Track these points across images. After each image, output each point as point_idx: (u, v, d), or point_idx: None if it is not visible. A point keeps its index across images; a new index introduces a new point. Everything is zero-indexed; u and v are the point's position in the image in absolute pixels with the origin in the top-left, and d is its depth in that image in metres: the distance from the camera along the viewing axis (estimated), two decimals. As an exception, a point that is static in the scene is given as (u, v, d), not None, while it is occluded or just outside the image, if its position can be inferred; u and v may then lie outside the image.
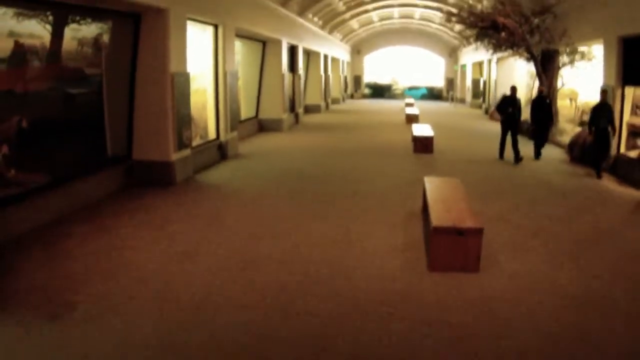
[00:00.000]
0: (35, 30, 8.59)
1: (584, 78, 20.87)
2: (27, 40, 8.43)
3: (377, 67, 48.79)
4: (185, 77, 11.19)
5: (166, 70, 10.55)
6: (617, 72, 12.88)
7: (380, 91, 48.45)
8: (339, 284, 6.00)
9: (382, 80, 49.04)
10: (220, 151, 13.86)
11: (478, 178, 11.96)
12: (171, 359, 4.46)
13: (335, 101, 37.68)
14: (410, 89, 48.18)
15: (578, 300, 5.63)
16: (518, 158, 14.10)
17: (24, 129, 8.18)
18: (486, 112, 30.93)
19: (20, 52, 8.31)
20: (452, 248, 6.10)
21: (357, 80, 48.08)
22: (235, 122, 14.68)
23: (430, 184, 8.35)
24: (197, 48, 13.27)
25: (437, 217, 6.37)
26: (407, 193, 10.07)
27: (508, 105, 14.49)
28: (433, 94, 47.61)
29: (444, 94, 46.17)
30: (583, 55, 19.01)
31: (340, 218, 8.60)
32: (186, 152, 11.35)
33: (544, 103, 15.10)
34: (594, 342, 4.78)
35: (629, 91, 12.99)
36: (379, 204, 9.50)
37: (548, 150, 17.15)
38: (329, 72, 33.84)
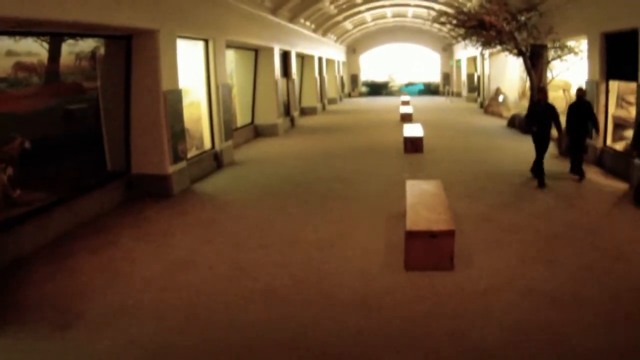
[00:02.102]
0: (33, 48, 8.98)
1: (573, 70, 21.29)
2: (25, 58, 8.84)
3: (374, 65, 49.10)
4: (177, 94, 11.66)
5: (158, 88, 11.02)
6: (600, 67, 13.22)
7: (377, 89, 48.81)
8: (322, 284, 6.51)
9: (379, 78, 49.37)
10: (216, 160, 14.33)
11: (463, 177, 12.38)
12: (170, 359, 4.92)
13: (332, 101, 38.10)
14: (407, 85, 48.51)
15: (548, 298, 5.97)
16: (542, 180, 11.39)
17: (27, 149, 8.61)
18: (481, 106, 31.30)
19: (20, 72, 8.72)
20: (426, 249, 6.57)
21: (354, 79, 48.48)
22: (229, 131, 15.15)
23: (411, 187, 8.79)
24: (190, 62, 13.76)
25: (412, 221, 6.83)
26: (392, 195, 10.48)
27: (538, 114, 11.62)
28: (430, 90, 47.95)
29: (441, 89, 46.53)
30: (571, 50, 19.41)
31: (327, 223, 9.06)
32: (182, 164, 11.81)
33: (585, 107, 11.96)
34: (559, 339, 5.08)
35: (613, 85, 13.30)
36: (364, 207, 9.96)
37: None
38: (324, 74, 34.26)
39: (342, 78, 43.81)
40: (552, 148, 16.28)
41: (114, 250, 7.94)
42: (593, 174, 12.26)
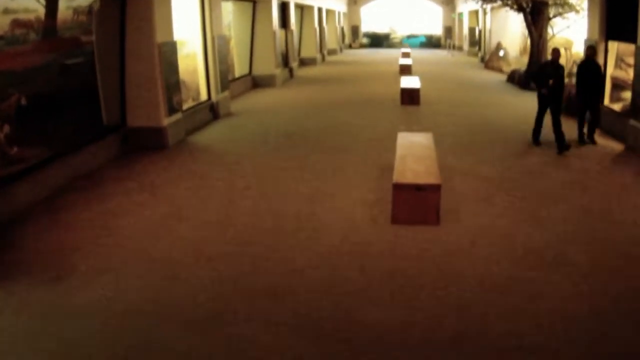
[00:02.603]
0: (30, 5, 8.91)
1: (575, 28, 21.09)
2: (22, 15, 8.77)
3: (375, 17, 48.50)
4: (172, 46, 11.61)
5: (153, 40, 10.96)
6: (600, 26, 12.99)
7: (378, 40, 48.33)
8: (307, 236, 6.67)
9: (380, 29, 48.80)
10: (213, 111, 14.36)
11: (457, 130, 12.46)
12: (156, 309, 5.11)
13: (333, 52, 37.79)
14: (409, 37, 48.04)
15: (531, 256, 6.04)
16: (563, 145, 10.48)
17: (23, 106, 8.62)
18: (482, 60, 31.07)
19: (18, 29, 8.68)
20: (412, 203, 6.69)
21: (355, 30, 47.96)
22: (226, 82, 15.13)
23: (402, 139, 8.88)
24: (186, 13, 13.66)
25: (399, 173, 6.96)
26: (386, 147, 10.51)
27: (548, 74, 10.62)
28: (432, 42, 47.50)
29: (443, 42, 46.05)
30: (572, 7, 19.22)
31: (319, 174, 9.19)
32: (177, 116, 11.86)
33: (593, 68, 11.17)
34: (536, 300, 5.14)
35: (613, 45, 13.09)
36: (357, 159, 10.08)
37: (534, 99, 17.53)
38: (324, 25, 33.89)
39: (342, 29, 43.34)
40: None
41: (107, 203, 8.04)
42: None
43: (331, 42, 38.04)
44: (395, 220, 6.83)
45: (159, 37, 11.08)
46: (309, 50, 30.52)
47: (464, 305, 5.06)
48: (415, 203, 6.69)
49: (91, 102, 10.69)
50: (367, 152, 10.57)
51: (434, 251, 6.18)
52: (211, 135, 12.61)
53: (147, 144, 11.25)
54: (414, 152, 7.99)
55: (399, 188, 6.69)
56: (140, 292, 5.44)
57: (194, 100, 14.27)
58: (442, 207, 7.00)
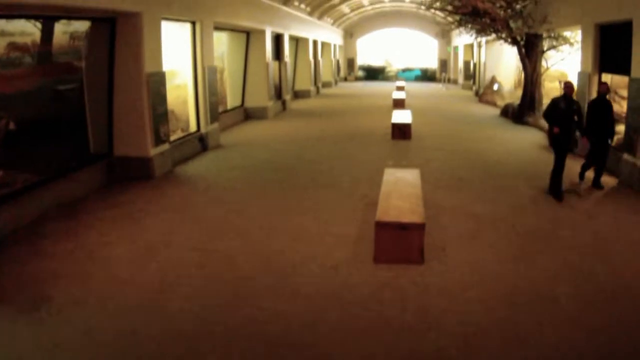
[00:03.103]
0: (27, 28, 8.83)
1: (569, 61, 21.15)
2: (18, 39, 8.69)
3: (371, 50, 48.83)
4: (161, 77, 11.53)
5: (141, 71, 10.90)
6: (593, 58, 13.03)
7: (373, 73, 48.55)
8: (288, 275, 6.45)
9: (376, 62, 49.09)
10: (202, 143, 14.22)
11: (447, 166, 12.31)
12: (133, 341, 4.91)
13: (327, 85, 37.92)
14: (404, 70, 48.28)
15: (517, 297, 5.83)
16: (560, 194, 9.60)
17: (12, 130, 8.48)
18: (476, 94, 31.16)
19: (13, 53, 8.59)
20: (395, 241, 6.49)
21: (351, 63, 48.25)
22: (216, 114, 15.02)
23: (389, 175, 8.71)
24: (177, 44, 13.62)
25: (383, 211, 6.76)
26: (373, 183, 10.34)
27: (561, 111, 9.44)
28: (427, 76, 47.71)
29: (438, 75, 46.32)
30: (566, 40, 19.29)
31: (305, 210, 8.99)
32: (164, 147, 11.72)
33: (606, 107, 10.14)
34: (519, 340, 4.97)
35: (606, 78, 13.03)
36: (344, 194, 9.89)
37: (528, 133, 17.50)
38: (319, 57, 34.04)
39: (338, 62, 43.58)
40: (542, 138, 16.29)
41: (89, 233, 7.88)
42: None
43: (326, 74, 38.21)
44: (377, 259, 6.62)
45: (148, 67, 11.02)
46: (304, 82, 30.60)
47: (444, 348, 4.85)
48: (399, 242, 6.50)
49: (79, 129, 10.61)
50: (355, 188, 10.37)
51: (415, 292, 5.95)
52: (198, 167, 12.43)
53: (133, 173, 11.15)
54: (399, 189, 7.82)
55: (381, 226, 6.49)
56: (113, 328, 5.23)
57: (183, 131, 14.16)
58: (428, 245, 6.83)
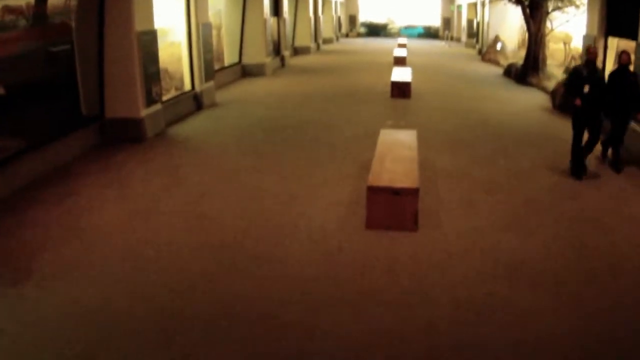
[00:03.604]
0: None
1: (574, 23, 20.62)
2: (12, 1, 8.39)
3: (373, 7, 47.90)
4: (152, 36, 11.15)
5: (131, 29, 10.50)
6: (600, 21, 12.49)
7: (375, 30, 47.78)
8: (274, 241, 6.24)
9: (378, 19, 48.22)
10: (196, 102, 13.91)
11: (447, 126, 12.02)
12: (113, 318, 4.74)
13: (328, 41, 37.30)
14: (407, 28, 47.49)
15: (510, 268, 5.60)
16: (581, 170, 8.61)
17: (1, 95, 8.20)
18: (479, 52, 30.62)
19: (8, 15, 8.29)
20: (388, 207, 6.28)
21: (352, 19, 47.39)
22: (211, 72, 14.64)
23: (384, 136, 8.45)
24: (171, 0, 13.21)
25: (375, 176, 6.53)
26: (369, 143, 10.08)
27: (583, 81, 8.44)
28: (430, 33, 46.98)
29: (441, 33, 45.52)
30: (571, 1, 18.74)
31: (297, 172, 8.76)
32: (156, 107, 11.43)
33: (628, 79, 8.64)
34: (512, 320, 4.71)
35: (612, 42, 12.56)
36: (338, 156, 9.64)
37: (531, 94, 17.15)
38: (320, 13, 33.35)
39: (339, 18, 42.76)
40: (546, 101, 15.95)
41: (77, 198, 7.65)
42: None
43: (327, 31, 37.55)
44: (369, 225, 6.41)
45: (138, 26, 10.63)
46: (303, 39, 30.05)
47: (434, 325, 4.63)
48: (392, 208, 6.28)
49: (71, 91, 10.33)
50: (350, 149, 10.11)
51: (407, 262, 5.75)
52: (192, 127, 12.15)
53: (125, 135, 10.84)
54: (394, 152, 7.57)
55: (373, 191, 6.27)
56: (98, 298, 5.06)
57: (177, 89, 13.85)
58: (423, 210, 6.60)
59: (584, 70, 8.60)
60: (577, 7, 18.90)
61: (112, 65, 10.76)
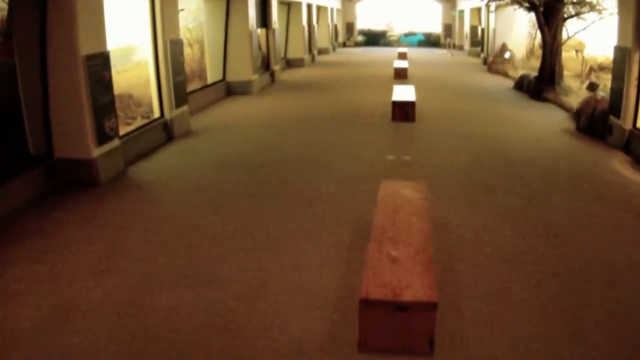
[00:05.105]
0: None
1: (592, 30, 18.74)
2: None
3: (371, 14, 46.08)
4: (103, 59, 9.21)
5: (75, 53, 8.62)
6: (635, 31, 10.57)
7: (374, 38, 45.97)
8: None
9: (377, 26, 46.39)
10: (166, 131, 11.98)
11: (461, 162, 9.99)
12: None
13: (324, 51, 35.49)
14: (407, 35, 45.75)
15: None
16: None
17: None
18: (484, 62, 28.76)
19: None
20: (390, 325, 4.30)
21: (350, 27, 45.52)
22: (182, 96, 12.61)
23: (385, 193, 6.42)
24: (133, 13, 11.33)
25: (371, 278, 4.48)
26: (364, 192, 8.19)
27: None
28: (430, 41, 45.19)
29: (442, 40, 43.66)
30: (593, 6, 16.82)
31: (271, 239, 6.77)
32: (112, 144, 9.53)
33: None
34: None
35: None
36: (327, 212, 7.62)
37: (550, 113, 15.23)
38: (314, 22, 31.48)
39: (335, 26, 40.90)
40: (566, 120, 14.02)
41: (6, 272, 5.88)
42: (618, 164, 9.92)
43: (323, 40, 35.69)
44: (362, 347, 4.43)
45: (85, 49, 8.73)
46: (297, 50, 28.15)
47: None
48: (395, 326, 4.30)
49: (16, 126, 8.60)
50: (340, 201, 8.06)
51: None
52: (156, 166, 10.18)
53: (76, 179, 9.03)
54: (398, 222, 5.58)
55: (368, 306, 4.27)
56: None
57: (144, 118, 11.97)
58: (438, 317, 4.61)
59: None
60: (600, 12, 16.94)
61: (57, 95, 8.92)
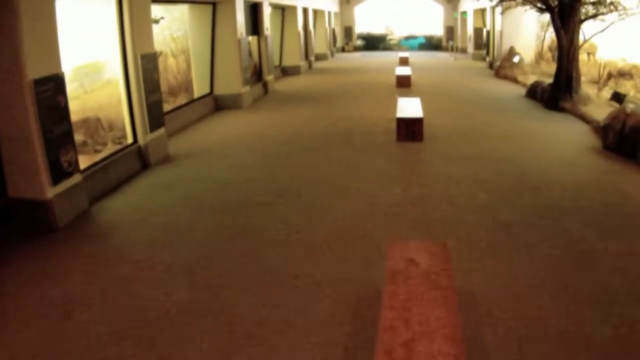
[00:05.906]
0: None
1: (610, 31, 17.27)
2: None
3: (370, 17, 44.69)
4: (57, 83, 7.75)
5: (21, 77, 7.20)
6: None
7: (374, 42, 44.59)
8: None
9: (376, 30, 44.99)
10: (140, 159, 10.53)
11: (478, 199, 8.50)
12: None
13: (322, 58, 34.08)
14: (407, 38, 44.37)
15: None
16: None
17: None
18: (490, 66, 27.31)
19: None
20: None
21: (348, 31, 44.10)
22: (158, 118, 11.13)
23: (394, 270, 4.87)
24: (99, 24, 9.91)
25: None
26: (364, 246, 6.74)
27: None
28: (431, 44, 43.77)
29: (444, 43, 42.22)
30: (615, 6, 15.34)
31: (242, 328, 5.32)
32: (72, 180, 8.11)
33: None
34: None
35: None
36: (319, 278, 6.08)
37: (569, 125, 13.76)
38: (311, 27, 30.05)
39: (333, 31, 39.51)
40: (589, 135, 12.59)
41: None
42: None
43: (320, 46, 34.28)
44: None
45: (33, 71, 7.29)
46: (292, 57, 26.69)
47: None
48: None
49: None
50: (339, 258, 6.53)
51: None
52: (124, 204, 8.71)
53: (30, 222, 7.69)
54: (414, 322, 4.06)
55: None
56: None
57: (115, 143, 10.48)
58: None
59: None
60: (625, 11, 15.46)
61: (4, 126, 7.53)
